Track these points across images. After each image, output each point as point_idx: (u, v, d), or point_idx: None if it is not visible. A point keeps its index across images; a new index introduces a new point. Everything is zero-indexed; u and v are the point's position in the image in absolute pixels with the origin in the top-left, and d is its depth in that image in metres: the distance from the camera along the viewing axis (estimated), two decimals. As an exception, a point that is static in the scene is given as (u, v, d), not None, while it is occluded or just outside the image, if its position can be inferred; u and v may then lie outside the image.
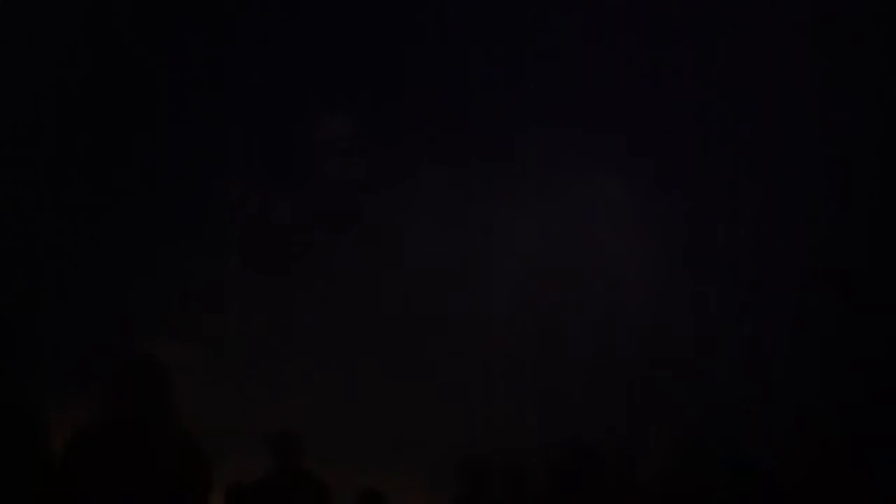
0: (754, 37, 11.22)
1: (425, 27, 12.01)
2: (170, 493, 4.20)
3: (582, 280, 11.09)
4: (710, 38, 11.33)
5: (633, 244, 11.08)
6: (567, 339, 10.88)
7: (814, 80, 10.74)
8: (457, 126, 11.99)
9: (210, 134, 11.92)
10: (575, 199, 11.53)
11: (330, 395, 10.69)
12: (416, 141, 12.05)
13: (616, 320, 10.79)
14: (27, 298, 10.43)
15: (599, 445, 6.78)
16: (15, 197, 11.05)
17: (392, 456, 10.16)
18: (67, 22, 11.46)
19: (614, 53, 11.57)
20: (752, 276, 10.69)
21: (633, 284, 10.93)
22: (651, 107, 11.44)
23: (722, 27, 11.33)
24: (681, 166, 11.39)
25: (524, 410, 10.27)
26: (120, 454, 4.14)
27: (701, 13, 11.30)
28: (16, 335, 4.30)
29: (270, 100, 12.18)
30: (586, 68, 11.58)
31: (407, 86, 12.17)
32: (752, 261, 10.80)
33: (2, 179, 10.95)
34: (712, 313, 10.63)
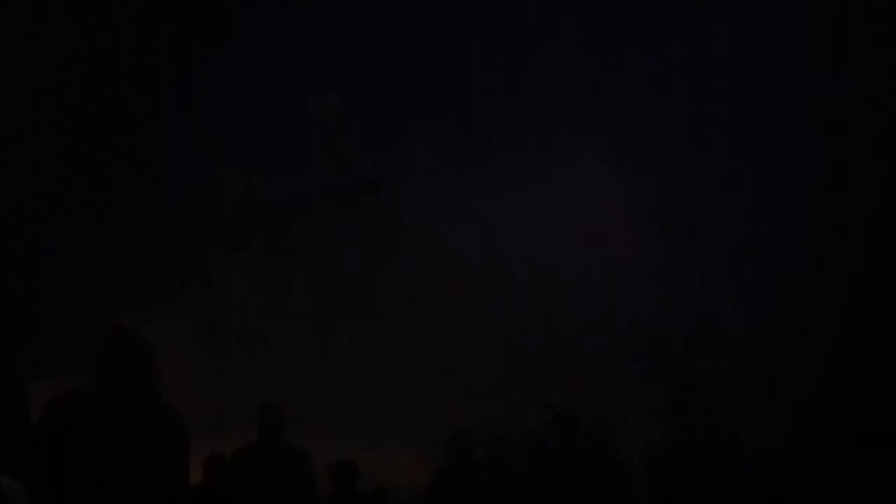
0: (750, 27, 11.22)
1: (422, 13, 11.96)
2: (149, 465, 4.14)
3: (574, 261, 11.09)
4: (706, 27, 11.32)
5: (626, 227, 11.09)
6: (557, 319, 10.89)
7: (811, 69, 10.75)
8: (454, 110, 11.94)
9: (204, 115, 11.83)
10: (569, 184, 11.52)
11: (320, 372, 10.67)
12: (412, 124, 12.00)
13: (607, 303, 10.80)
14: (16, 276, 10.35)
15: (578, 413, 6.85)
16: (5, 178, 10.95)
17: (382, 429, 10.18)
18: (59, 3, 11.34)
19: (612, 40, 11.54)
20: (746, 259, 10.72)
21: (627, 268, 10.93)
22: (649, 95, 11.43)
23: (718, 17, 11.32)
24: (678, 157, 11.38)
25: (512, 385, 10.29)
26: (98, 425, 4.09)
27: (697, 5, 11.30)
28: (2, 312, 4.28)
29: (264, 81, 12.09)
30: (584, 55, 11.56)
31: (403, 70, 12.11)
32: (745, 244, 10.83)
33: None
34: (705, 296, 10.65)
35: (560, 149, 11.66)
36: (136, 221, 11.43)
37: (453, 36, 11.89)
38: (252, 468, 6.30)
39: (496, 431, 6.94)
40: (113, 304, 10.73)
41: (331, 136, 12.25)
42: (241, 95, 12.01)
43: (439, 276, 11.33)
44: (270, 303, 11.42)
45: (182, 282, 11.41)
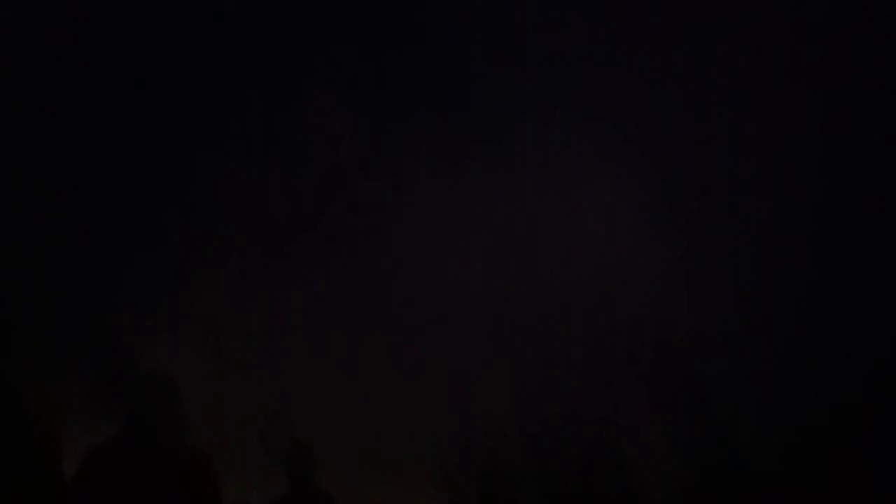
0: (750, 27, 11.22)
1: (422, 14, 11.96)
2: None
3: (574, 261, 11.08)
4: (707, 27, 11.32)
5: (626, 228, 11.08)
6: (557, 320, 10.88)
7: (811, 69, 10.76)
8: (454, 110, 11.94)
9: (204, 120, 11.82)
10: (568, 184, 11.52)
11: (320, 374, 10.66)
12: (411, 125, 12.00)
13: (608, 303, 10.80)
14: (17, 278, 10.35)
15: (578, 414, 6.88)
16: (9, 188, 10.95)
17: (385, 433, 10.19)
18: (60, 7, 11.34)
19: (612, 40, 11.54)
20: (746, 259, 10.73)
21: (626, 268, 10.92)
22: (648, 97, 11.42)
23: (718, 17, 11.32)
24: (678, 157, 11.38)
25: (513, 386, 10.29)
26: (133, 476, 4.08)
27: (699, 6, 11.30)
28: (14, 333, 4.24)
29: (264, 82, 12.09)
30: (583, 57, 11.56)
31: (404, 75, 12.11)
32: (745, 244, 10.83)
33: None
34: (705, 296, 10.65)
35: (559, 149, 11.67)
36: (136, 221, 11.43)
37: (453, 37, 11.91)
38: None
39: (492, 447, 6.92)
40: (113, 306, 10.74)
41: (330, 137, 12.26)
42: (241, 96, 12.02)
43: (439, 278, 11.33)
44: (270, 304, 11.42)
45: (181, 282, 11.41)
